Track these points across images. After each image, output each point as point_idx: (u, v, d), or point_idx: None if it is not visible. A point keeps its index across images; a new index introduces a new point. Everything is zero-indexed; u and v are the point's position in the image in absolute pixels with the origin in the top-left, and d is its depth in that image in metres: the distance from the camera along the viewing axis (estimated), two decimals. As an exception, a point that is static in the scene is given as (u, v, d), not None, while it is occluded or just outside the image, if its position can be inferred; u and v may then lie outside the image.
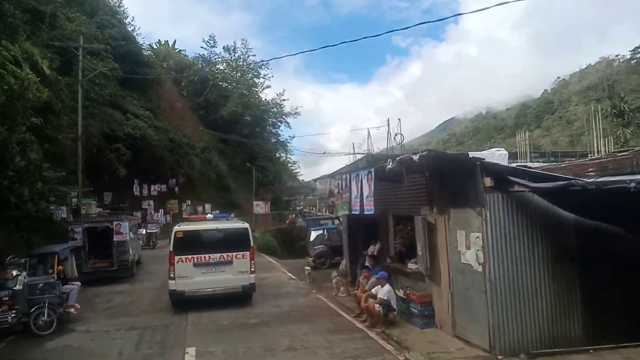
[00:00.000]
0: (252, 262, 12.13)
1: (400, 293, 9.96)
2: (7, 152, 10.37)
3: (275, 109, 58.81)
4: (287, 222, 46.75)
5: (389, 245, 11.58)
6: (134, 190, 37.86)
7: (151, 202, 38.31)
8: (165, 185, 40.64)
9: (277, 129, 62.15)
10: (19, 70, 11.21)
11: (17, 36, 18.37)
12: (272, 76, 73.81)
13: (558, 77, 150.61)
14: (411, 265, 10.08)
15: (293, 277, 16.55)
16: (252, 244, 12.48)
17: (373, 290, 10.00)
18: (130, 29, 47.62)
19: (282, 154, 64.18)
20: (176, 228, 12.54)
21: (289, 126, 61.26)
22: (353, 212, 10.84)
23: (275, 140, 63.18)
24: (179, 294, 11.61)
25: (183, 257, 11.70)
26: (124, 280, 16.68)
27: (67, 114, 23.51)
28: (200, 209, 43.44)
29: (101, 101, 30.14)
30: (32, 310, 10.21)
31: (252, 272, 12.00)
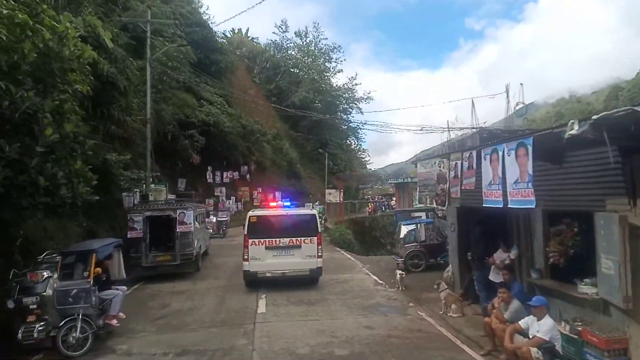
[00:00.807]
0: (320, 247, 12.32)
1: (565, 329, 6.36)
2: (37, 122, 7.84)
3: (346, 94, 55.46)
4: (369, 210, 43.95)
5: (534, 254, 7.93)
6: (207, 177, 36.32)
7: (223, 189, 36.57)
8: (237, 172, 38.85)
9: (349, 115, 58.89)
10: (56, 24, 8.65)
11: (82, 9, 16.47)
12: (345, 59, 70.36)
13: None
14: (585, 288, 6.42)
15: (380, 281, 13.21)
16: (319, 229, 12.60)
17: (521, 323, 6.50)
18: (205, 18, 46.26)
19: (352, 141, 60.72)
20: (250, 213, 12.92)
21: (361, 112, 57.75)
22: (487, 204, 7.33)
23: (346, 126, 59.95)
24: (252, 275, 12.07)
25: (256, 240, 12.06)
26: (186, 277, 14.24)
27: (138, 96, 21.73)
28: (270, 196, 41.27)
29: (174, 85, 28.29)
30: (62, 323, 7.76)
31: (319, 257, 12.24)
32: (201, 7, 46.98)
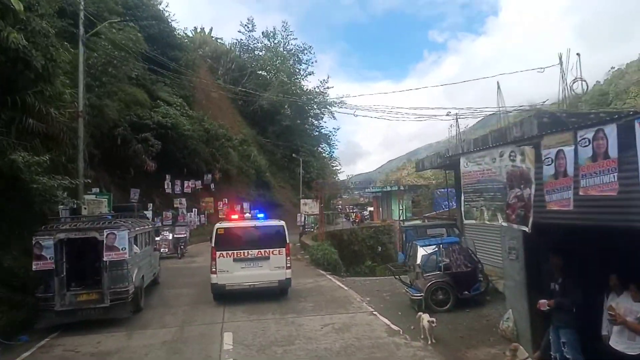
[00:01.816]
0: (288, 257, 12.17)
1: None
2: None
3: (318, 98, 51.88)
4: (356, 219, 40.55)
5: None
6: (165, 186, 31.82)
7: (183, 200, 32.08)
8: (200, 182, 34.53)
9: (320, 121, 55.20)
10: None
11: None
12: (316, 61, 66.88)
13: (612, 67, 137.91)
14: None
15: (394, 326, 9.17)
16: (287, 241, 12.37)
17: None
18: (164, 15, 41.72)
19: (324, 148, 56.98)
20: (217, 225, 12.54)
21: (333, 116, 54.07)
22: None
23: (317, 133, 56.32)
24: (220, 287, 11.67)
25: (224, 252, 11.77)
26: (121, 324, 9.94)
27: (71, 86, 17.34)
28: (238, 207, 37.07)
29: (122, 77, 23.83)
30: None
31: (288, 268, 12.10)
32: (160, 5, 42.32)
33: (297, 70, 50.50)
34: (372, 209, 53.61)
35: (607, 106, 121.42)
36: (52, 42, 14.55)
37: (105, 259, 9.74)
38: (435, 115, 36.21)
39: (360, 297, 12.14)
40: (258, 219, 13.23)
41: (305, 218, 32.14)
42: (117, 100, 23.39)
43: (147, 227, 12.76)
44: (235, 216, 13.95)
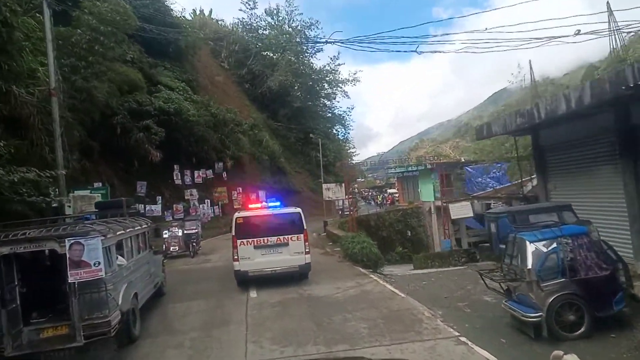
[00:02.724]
0: (307, 243, 12.30)
1: None
2: None
3: (330, 77, 48.23)
4: (388, 202, 37.51)
5: None
6: (174, 177, 28.88)
7: (194, 191, 29.11)
8: (211, 171, 31.52)
9: (332, 101, 51.50)
10: None
11: None
12: (324, 36, 62.79)
13: (629, 32, 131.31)
14: None
15: None
16: (305, 227, 12.42)
17: None
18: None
19: (339, 130, 53.39)
20: (236, 214, 12.69)
21: (347, 95, 50.46)
22: None
23: (330, 114, 52.71)
24: (243, 274, 11.84)
25: (244, 240, 11.89)
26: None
27: (41, 62, 14.21)
28: (253, 196, 34.10)
29: (110, 56, 20.59)
30: None
31: (307, 253, 12.20)
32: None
33: (305, 48, 46.86)
34: (392, 190, 50.25)
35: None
36: (6, 2, 11.35)
37: (71, 279, 6.59)
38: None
39: (429, 311, 8.74)
40: (273, 207, 13.07)
41: (343, 201, 29.62)
42: (107, 82, 20.15)
43: (139, 226, 9.59)
44: (255, 205, 13.89)
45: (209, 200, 29.84)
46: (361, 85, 59.49)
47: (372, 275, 12.14)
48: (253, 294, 10.49)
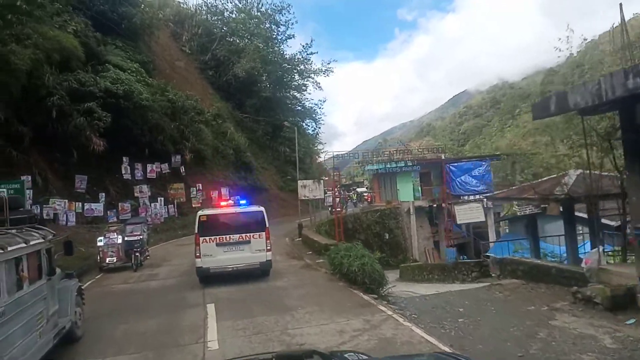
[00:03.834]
0: (268, 241, 12.35)
1: None
2: None
3: (301, 66, 44.52)
4: (367, 200, 34.80)
5: None
6: (123, 171, 24.59)
7: (145, 187, 24.93)
8: (167, 165, 27.32)
9: (303, 93, 47.69)
10: None
11: None
12: (296, 21, 58.87)
13: (585, 39, 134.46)
14: None
15: None
16: (267, 225, 12.53)
17: None
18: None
19: (310, 124, 49.65)
20: (200, 212, 12.68)
21: (319, 87, 47.53)
22: None
23: (301, 107, 48.93)
24: (205, 271, 11.92)
25: (207, 238, 11.99)
26: None
27: None
28: (214, 194, 30.15)
29: (38, 16, 16.19)
30: None
31: (268, 250, 12.31)
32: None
33: (275, 34, 42.91)
34: (362, 189, 47.26)
35: (582, 77, 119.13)
36: None
37: None
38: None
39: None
40: (240, 205, 13.30)
41: (334, 198, 26.69)
42: (31, 47, 15.78)
43: (22, 243, 5.70)
44: (225, 203, 14.06)
45: (162, 199, 25.68)
46: (327, 84, 56.25)
47: (381, 306, 8.66)
48: (213, 344, 6.81)
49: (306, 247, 17.62)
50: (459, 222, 15.09)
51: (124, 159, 24.88)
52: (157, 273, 13.90)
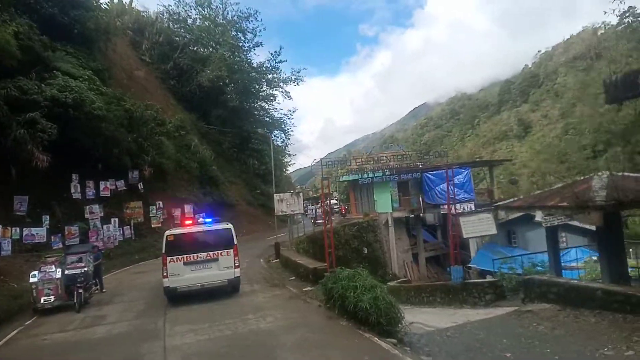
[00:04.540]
0: (236, 258, 12.30)
1: None
2: None
3: (270, 75, 42.15)
4: (342, 211, 33.16)
5: None
6: (72, 190, 21.52)
7: (97, 207, 21.86)
8: (122, 181, 24.34)
9: (270, 104, 45.23)
10: None
11: None
12: (264, 28, 56.09)
13: (539, 51, 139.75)
14: None
15: None
16: (235, 242, 12.51)
17: None
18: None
19: (279, 135, 47.11)
20: (167, 232, 12.44)
21: (289, 96, 45.18)
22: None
23: (269, 119, 46.41)
24: (172, 290, 11.77)
25: (174, 257, 11.82)
26: None
27: None
28: (177, 212, 27.32)
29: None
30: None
31: (236, 267, 12.27)
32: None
33: (242, 43, 40.47)
34: (333, 201, 45.24)
35: (538, 88, 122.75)
36: None
37: None
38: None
39: None
40: (206, 223, 13.07)
41: (315, 210, 27.18)
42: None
43: None
44: (189, 222, 13.67)
45: (116, 219, 22.61)
46: (293, 97, 53.78)
47: (406, 357, 6.41)
48: None
49: (288, 271, 15.20)
50: (465, 236, 13.24)
51: (74, 176, 21.92)
52: (105, 314, 11.13)
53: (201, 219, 13.76)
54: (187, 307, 11.21)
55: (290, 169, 62.75)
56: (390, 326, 7.64)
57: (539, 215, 14.35)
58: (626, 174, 10.35)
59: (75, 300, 11.67)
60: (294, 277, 13.86)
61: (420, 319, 10.47)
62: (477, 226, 13.05)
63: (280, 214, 18.76)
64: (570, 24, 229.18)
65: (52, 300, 11.52)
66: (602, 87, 7.16)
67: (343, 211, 35.22)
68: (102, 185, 23.14)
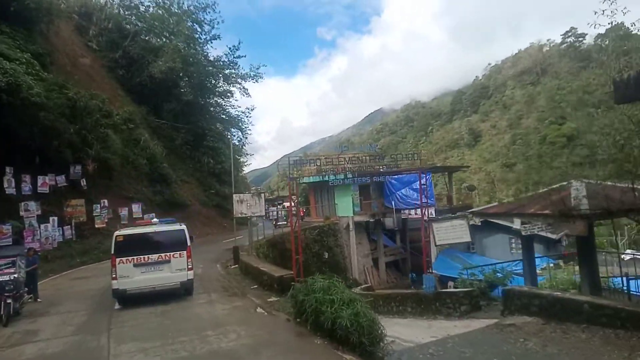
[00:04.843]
0: (189, 260, 12.02)
1: None
2: None
3: (228, 70, 40.41)
4: (301, 214, 31.81)
5: None
6: (5, 184, 19.35)
7: (33, 204, 19.72)
8: (63, 177, 22.22)
9: (227, 100, 43.38)
10: None
11: None
12: (223, 21, 54.33)
13: (489, 64, 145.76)
14: None
15: None
16: (188, 243, 12.16)
17: None
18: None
19: (234, 134, 45.24)
20: (116, 232, 12.00)
21: (247, 93, 43.12)
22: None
23: (225, 116, 44.55)
24: (121, 292, 11.49)
25: (124, 259, 11.52)
26: None
27: None
28: (123, 212, 25.42)
29: None
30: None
31: (189, 269, 11.99)
32: None
33: (198, 34, 38.52)
34: (287, 204, 44.24)
35: (487, 99, 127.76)
36: None
37: None
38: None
39: None
40: (165, 222, 13.14)
41: (277, 212, 26.63)
42: None
43: None
44: (143, 222, 13.75)
45: (55, 218, 20.50)
46: (245, 98, 52.15)
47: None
48: None
49: (248, 278, 14.02)
50: (438, 244, 12.68)
51: (7, 169, 19.73)
52: (38, 329, 9.57)
53: (154, 220, 13.45)
54: (135, 320, 9.88)
55: (246, 170, 61.03)
56: (373, 346, 6.83)
57: (517, 223, 14.11)
58: (601, 182, 10.16)
59: (2, 312, 10.01)
60: (256, 286, 12.71)
61: (395, 331, 9.75)
62: (451, 233, 12.61)
63: (240, 215, 17.53)
64: (519, 40, 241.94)
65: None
66: (611, 85, 6.70)
67: (302, 214, 34.26)
68: (40, 180, 20.99)
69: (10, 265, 10.67)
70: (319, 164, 17.72)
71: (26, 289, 11.70)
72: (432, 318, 11.28)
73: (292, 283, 10.43)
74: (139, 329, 9.13)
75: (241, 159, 49.87)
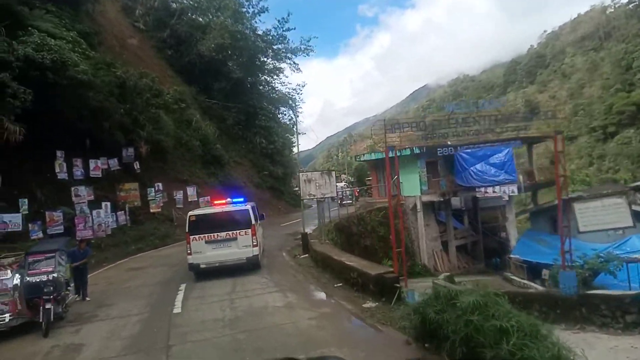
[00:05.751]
0: (254, 237, 12.69)
1: None
2: None
3: (278, 45, 37.92)
4: (356, 195, 29.62)
5: None
6: (56, 169, 17.89)
7: (83, 189, 18.23)
8: (116, 160, 20.69)
9: (276, 77, 40.99)
10: None
11: None
12: None
13: (545, 31, 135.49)
14: None
15: None
16: (253, 222, 12.86)
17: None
18: None
19: (285, 113, 42.95)
20: (190, 213, 13.05)
21: (298, 68, 39.87)
22: None
23: (275, 94, 42.19)
24: (196, 266, 12.39)
25: (197, 236, 12.38)
26: None
27: None
28: (178, 195, 23.76)
29: None
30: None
31: (254, 246, 12.66)
32: None
33: (245, 8, 36.01)
34: (342, 184, 41.61)
35: (545, 68, 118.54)
36: None
37: None
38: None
39: None
40: (234, 203, 13.54)
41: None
42: None
43: None
44: (220, 201, 13.94)
45: (109, 203, 18.96)
46: (302, 70, 49.21)
47: None
48: None
49: (327, 272, 11.57)
50: (582, 230, 9.76)
51: (58, 153, 18.31)
52: (82, 342, 7.60)
53: (230, 200, 13.87)
54: (200, 331, 7.69)
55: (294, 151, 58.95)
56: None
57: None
58: None
59: (41, 319, 8.14)
60: (340, 284, 10.19)
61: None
62: (601, 216, 9.53)
63: (308, 198, 15.15)
64: (576, 3, 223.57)
65: (6, 319, 7.99)
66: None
67: (357, 194, 31.68)
68: (92, 164, 19.58)
69: (48, 262, 8.73)
70: (423, 127, 14.51)
71: (72, 286, 9.85)
72: (577, 328, 8.39)
73: (396, 285, 7.87)
74: (205, 346, 6.91)
75: (292, 139, 47.72)
